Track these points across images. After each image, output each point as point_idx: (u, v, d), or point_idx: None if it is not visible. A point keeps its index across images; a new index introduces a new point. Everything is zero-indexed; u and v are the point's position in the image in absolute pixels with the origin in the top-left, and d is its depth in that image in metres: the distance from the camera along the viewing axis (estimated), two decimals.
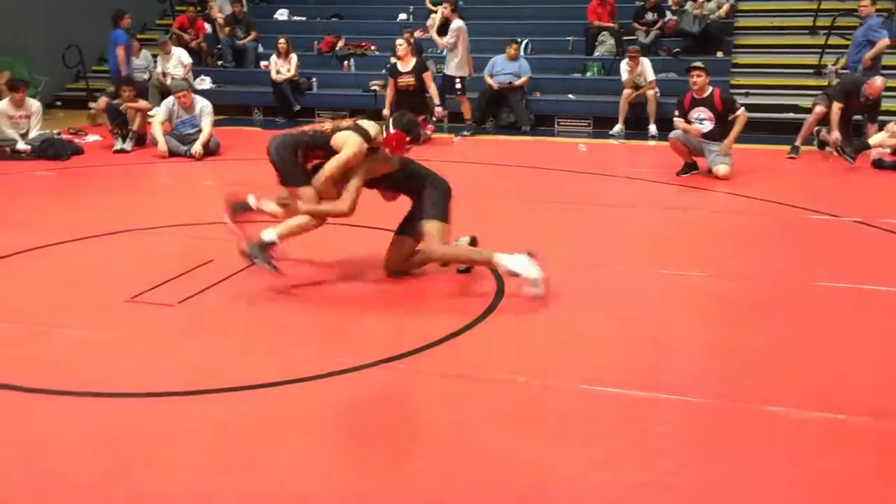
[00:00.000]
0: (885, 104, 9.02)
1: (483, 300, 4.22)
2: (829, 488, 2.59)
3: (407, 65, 9.63)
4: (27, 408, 3.14)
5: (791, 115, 10.38)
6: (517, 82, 10.87)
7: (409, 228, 4.51)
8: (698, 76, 7.43)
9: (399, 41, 9.87)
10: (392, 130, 4.29)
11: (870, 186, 7.33)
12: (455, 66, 10.54)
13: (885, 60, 9.64)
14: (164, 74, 12.21)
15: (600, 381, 3.31)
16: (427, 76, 9.70)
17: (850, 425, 2.96)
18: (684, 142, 7.57)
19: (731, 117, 7.38)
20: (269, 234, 4.31)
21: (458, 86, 10.51)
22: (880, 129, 8.22)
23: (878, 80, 8.30)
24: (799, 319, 4.03)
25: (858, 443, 2.85)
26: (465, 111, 10.65)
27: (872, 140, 8.02)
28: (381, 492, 2.56)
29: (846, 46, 10.70)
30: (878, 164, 7.82)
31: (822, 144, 8.74)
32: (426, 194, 4.44)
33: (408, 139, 4.33)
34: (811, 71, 11.29)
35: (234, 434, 2.92)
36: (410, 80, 9.58)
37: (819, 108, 8.48)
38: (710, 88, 7.53)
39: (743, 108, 7.44)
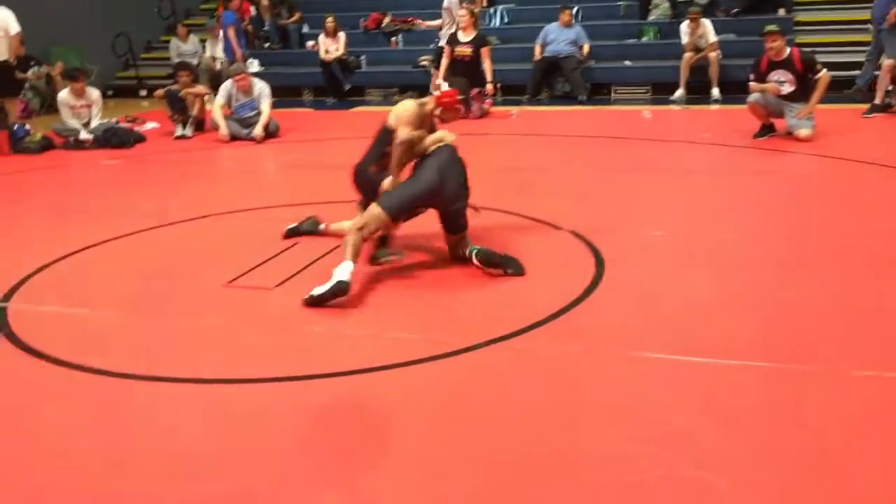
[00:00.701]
0: None
1: (583, 278, 4.09)
2: None
3: (468, 35, 9.54)
4: (154, 396, 3.09)
5: (858, 72, 10.04)
6: (583, 51, 10.63)
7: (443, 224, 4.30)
8: (774, 41, 7.13)
9: (461, 11, 9.75)
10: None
11: None
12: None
13: None
14: (214, 59, 12.21)
15: (719, 352, 3.17)
16: (485, 50, 9.56)
17: None
18: (763, 103, 7.31)
19: (812, 77, 7.10)
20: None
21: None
22: None
23: None
24: None
25: None
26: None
27: None
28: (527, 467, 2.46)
29: None
30: None
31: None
32: (404, 181, 4.26)
33: (460, 98, 4.43)
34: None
35: (364, 417, 2.84)
36: (468, 50, 9.47)
37: (889, 61, 8.16)
38: (788, 49, 7.24)
39: (825, 69, 7.15)
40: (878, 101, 8.27)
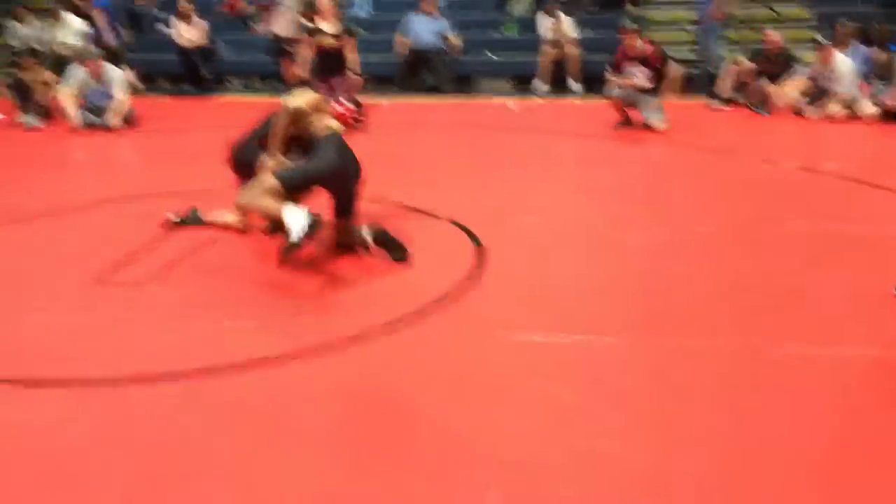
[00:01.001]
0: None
1: (464, 265, 4.18)
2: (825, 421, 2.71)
3: (332, 25, 9.26)
4: (30, 399, 2.90)
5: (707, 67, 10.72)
6: (453, 41, 10.65)
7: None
8: (631, 37, 7.53)
9: None
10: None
11: (799, 133, 7.66)
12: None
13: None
14: (59, 44, 11.47)
15: (604, 331, 3.34)
16: (350, 42, 9.36)
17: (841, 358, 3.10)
18: (622, 97, 7.68)
19: (664, 70, 7.52)
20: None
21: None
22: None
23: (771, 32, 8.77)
24: (776, 262, 4.17)
25: (846, 378, 2.99)
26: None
27: (786, 95, 8.35)
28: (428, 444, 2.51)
29: None
30: (798, 112, 8.17)
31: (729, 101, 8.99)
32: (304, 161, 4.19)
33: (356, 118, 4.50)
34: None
35: (261, 409, 2.79)
36: (332, 41, 9.21)
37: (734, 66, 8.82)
38: (643, 44, 7.64)
39: (676, 65, 7.59)
40: (724, 95, 8.84)
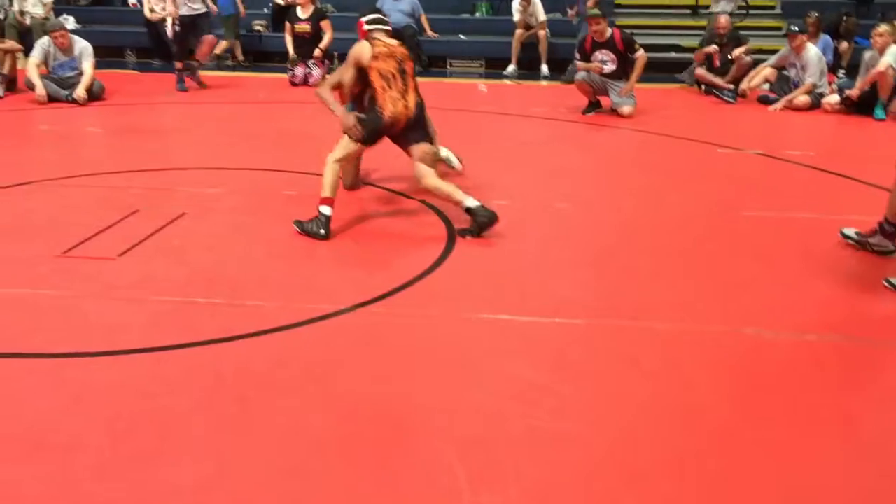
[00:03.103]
0: (756, 43, 9.48)
1: (436, 240, 4.22)
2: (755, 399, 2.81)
3: (306, 11, 9.41)
4: None
5: (673, 54, 10.83)
6: (423, 22, 10.70)
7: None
8: (597, 24, 7.59)
9: None
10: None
11: (762, 120, 7.78)
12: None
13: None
14: (22, 13, 11.23)
15: (568, 312, 3.41)
16: (325, 24, 9.49)
17: (782, 341, 3.21)
18: (589, 82, 7.74)
19: (631, 57, 7.59)
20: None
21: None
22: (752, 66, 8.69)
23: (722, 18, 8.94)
24: (733, 246, 4.26)
25: (801, 358, 3.10)
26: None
27: (752, 82, 8.47)
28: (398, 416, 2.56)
29: None
30: (765, 100, 8.30)
31: (699, 83, 9.10)
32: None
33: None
34: (688, 11, 11.75)
35: (232, 382, 2.81)
36: (306, 27, 9.37)
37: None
38: (610, 31, 7.70)
39: (642, 50, 7.66)
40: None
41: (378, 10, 4.69)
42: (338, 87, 4.58)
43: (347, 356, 3.07)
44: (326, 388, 2.82)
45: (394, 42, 4.49)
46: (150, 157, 5.96)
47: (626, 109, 7.61)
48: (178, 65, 9.04)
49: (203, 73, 9.47)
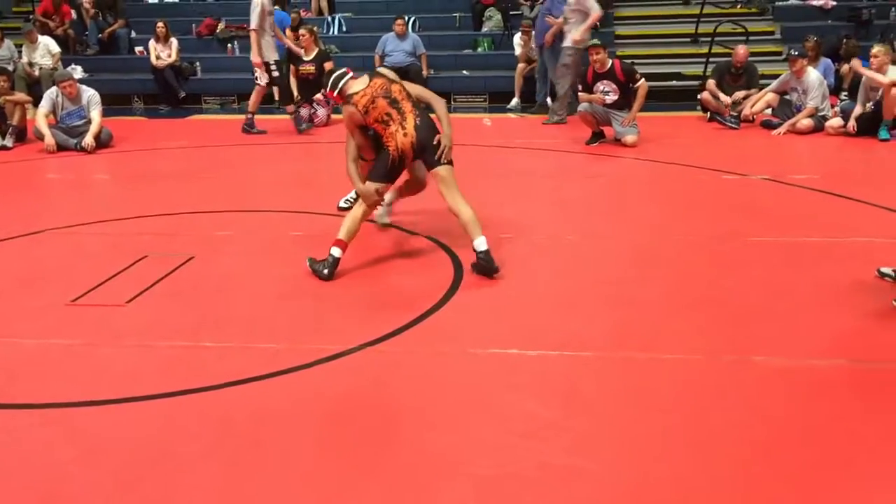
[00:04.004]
0: (762, 69, 9.55)
1: (444, 277, 4.22)
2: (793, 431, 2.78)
3: (309, 54, 9.56)
4: (7, 426, 2.90)
5: (675, 82, 10.90)
6: (422, 61, 10.82)
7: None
8: (597, 53, 7.65)
9: (302, 31, 9.72)
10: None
11: (767, 146, 7.79)
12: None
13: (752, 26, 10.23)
14: (31, 65, 11.44)
15: (578, 345, 3.39)
16: (328, 65, 9.58)
17: (816, 369, 3.17)
18: (591, 112, 7.78)
19: (633, 86, 7.63)
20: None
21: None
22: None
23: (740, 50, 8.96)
24: (742, 274, 4.24)
25: (814, 386, 3.07)
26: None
27: (755, 107, 8.51)
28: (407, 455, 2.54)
29: (718, 15, 11.44)
30: (768, 125, 8.33)
31: (705, 110, 9.12)
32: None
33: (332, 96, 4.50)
34: (688, 39, 11.84)
35: (244, 426, 2.80)
36: (311, 68, 9.49)
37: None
38: (610, 61, 7.76)
39: (643, 79, 7.71)
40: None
41: (335, 71, 4.53)
42: (358, 150, 4.56)
43: (359, 396, 3.05)
44: (339, 428, 2.81)
45: (364, 81, 4.42)
46: (159, 202, 6.00)
47: (629, 139, 7.64)
48: (290, 108, 9.15)
49: (204, 117, 9.57)
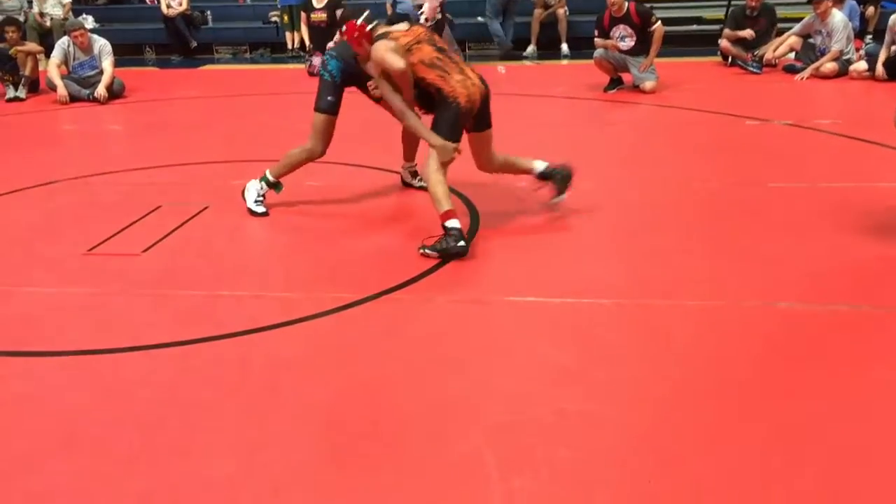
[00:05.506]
0: (780, 11, 9.27)
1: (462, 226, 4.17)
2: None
3: (321, 0, 9.30)
4: (30, 370, 2.92)
5: (695, 26, 10.66)
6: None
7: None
8: None
9: None
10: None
11: (789, 90, 7.63)
12: None
13: None
14: (42, 15, 11.34)
15: (596, 293, 3.35)
16: (341, 13, 9.39)
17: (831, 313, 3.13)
18: (608, 59, 7.63)
19: (649, 30, 7.45)
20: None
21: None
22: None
23: None
24: (765, 219, 4.17)
25: (837, 331, 3.02)
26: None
27: (777, 51, 8.29)
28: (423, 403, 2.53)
29: None
30: (791, 69, 8.14)
31: (725, 57, 8.91)
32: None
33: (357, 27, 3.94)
34: None
35: (260, 377, 2.81)
36: (322, 15, 9.25)
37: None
38: (626, 5, 7.56)
39: (659, 22, 7.52)
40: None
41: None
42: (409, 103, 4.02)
43: (374, 343, 3.05)
44: (355, 375, 2.81)
45: (402, 26, 4.06)
46: (172, 152, 5.97)
47: (648, 85, 7.49)
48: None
49: (217, 67, 9.47)
